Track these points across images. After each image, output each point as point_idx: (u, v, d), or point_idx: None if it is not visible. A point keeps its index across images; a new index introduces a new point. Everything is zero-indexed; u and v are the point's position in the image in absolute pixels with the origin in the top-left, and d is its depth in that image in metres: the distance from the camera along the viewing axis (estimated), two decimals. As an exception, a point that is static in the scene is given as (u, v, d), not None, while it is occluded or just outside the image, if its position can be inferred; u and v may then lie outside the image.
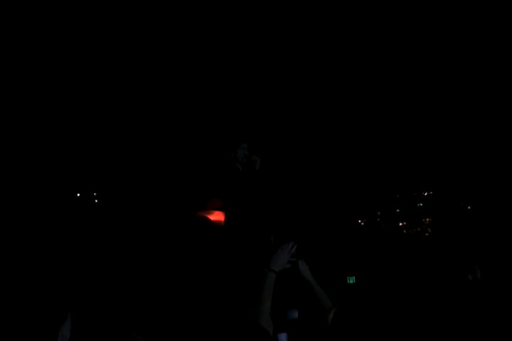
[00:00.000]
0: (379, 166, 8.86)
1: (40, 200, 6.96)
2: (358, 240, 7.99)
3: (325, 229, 7.32)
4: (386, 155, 8.86)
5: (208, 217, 5.32)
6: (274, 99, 7.67)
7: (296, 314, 2.83)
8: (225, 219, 3.76)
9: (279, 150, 7.23)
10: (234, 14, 6.86)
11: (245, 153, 3.84)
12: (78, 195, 8.01)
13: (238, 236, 3.68)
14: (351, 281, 5.75)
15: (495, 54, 7.52)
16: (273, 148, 6.81)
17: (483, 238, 7.23)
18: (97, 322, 2.18)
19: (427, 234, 9.00)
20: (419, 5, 7.13)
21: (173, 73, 7.26)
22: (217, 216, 5.26)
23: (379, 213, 9.22)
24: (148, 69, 7.20)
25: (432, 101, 8.26)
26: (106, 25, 6.58)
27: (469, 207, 8.91)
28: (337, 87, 7.99)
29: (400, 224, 9.25)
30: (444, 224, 8.91)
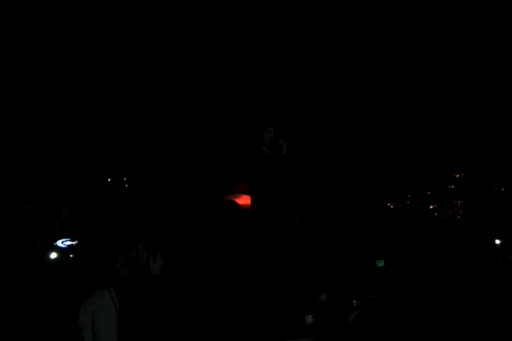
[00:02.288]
0: (409, 148, 8.72)
1: (74, 185, 7.14)
2: (388, 223, 7.92)
3: (354, 212, 7.27)
4: (416, 136, 8.70)
5: (235, 201, 5.35)
6: (302, 83, 7.60)
7: (324, 297, 2.83)
8: (251, 202, 3.76)
9: (306, 132, 7.17)
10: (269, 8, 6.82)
11: (272, 137, 3.82)
12: (109, 179, 8.18)
13: (264, 219, 3.69)
14: (380, 264, 5.72)
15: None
16: (300, 131, 6.76)
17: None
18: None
19: (458, 217, 8.84)
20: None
21: (201, 62, 7.27)
22: (244, 200, 5.29)
23: (409, 196, 9.10)
24: (174, 64, 7.25)
25: (465, 86, 8.04)
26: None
27: (503, 189, 8.70)
28: (367, 71, 7.87)
29: (431, 206, 9.12)
30: (476, 206, 8.73)
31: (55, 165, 7.18)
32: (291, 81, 7.52)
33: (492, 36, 7.25)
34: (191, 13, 6.88)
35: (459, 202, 9.02)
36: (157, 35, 6.97)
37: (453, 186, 9.11)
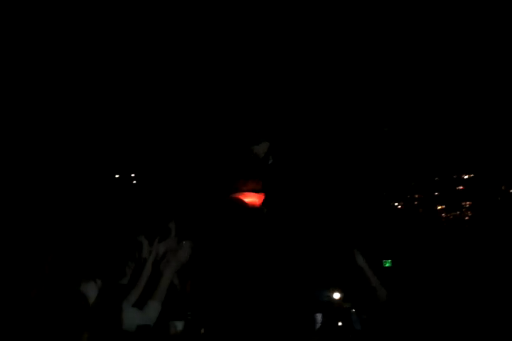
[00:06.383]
0: (417, 147, 8.67)
1: (79, 182, 7.15)
2: (395, 224, 7.88)
3: (360, 213, 7.24)
4: (424, 135, 8.65)
5: (242, 199, 5.32)
6: (306, 80, 7.56)
7: (325, 295, 2.81)
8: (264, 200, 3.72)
9: (312, 131, 7.14)
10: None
11: (265, 151, 3.79)
12: (117, 176, 8.19)
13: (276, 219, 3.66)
14: (387, 265, 5.69)
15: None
16: (305, 130, 6.73)
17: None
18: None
19: (467, 218, 8.78)
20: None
21: (206, 68, 7.27)
22: (251, 198, 5.25)
23: (417, 196, 9.05)
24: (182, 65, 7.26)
25: (476, 87, 7.98)
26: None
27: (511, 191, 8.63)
28: (375, 70, 7.82)
29: (439, 207, 9.06)
30: (485, 208, 8.67)
31: (61, 161, 7.20)
32: (294, 78, 7.48)
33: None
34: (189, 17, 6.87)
35: (468, 203, 8.96)
36: (156, 37, 6.97)
37: (461, 187, 9.05)
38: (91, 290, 2.11)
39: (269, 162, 3.69)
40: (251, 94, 7.13)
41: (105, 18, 6.60)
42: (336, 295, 2.42)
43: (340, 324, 1.91)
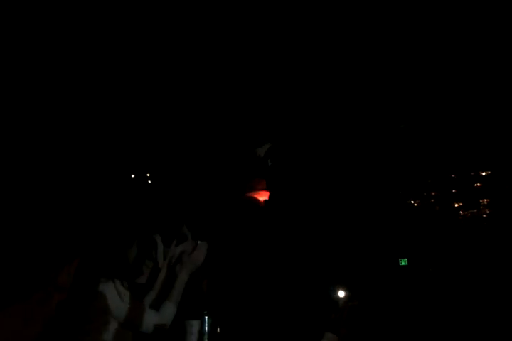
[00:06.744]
0: (434, 145, 8.59)
1: (95, 182, 7.22)
2: (412, 222, 7.83)
3: (377, 210, 7.20)
4: (441, 133, 8.57)
5: (256, 198, 5.35)
6: (321, 79, 7.53)
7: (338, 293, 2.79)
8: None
9: (329, 129, 7.11)
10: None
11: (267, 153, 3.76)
12: (132, 176, 8.27)
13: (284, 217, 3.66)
14: (403, 263, 5.66)
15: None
16: (322, 128, 6.70)
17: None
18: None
19: (484, 216, 8.69)
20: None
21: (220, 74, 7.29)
22: (265, 196, 5.27)
23: (433, 194, 8.98)
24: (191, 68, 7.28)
25: (491, 85, 7.87)
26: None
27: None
28: (391, 69, 7.76)
29: (456, 205, 8.99)
30: (503, 205, 8.57)
31: (76, 161, 7.28)
32: (308, 75, 7.44)
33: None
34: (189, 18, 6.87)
35: (485, 200, 8.86)
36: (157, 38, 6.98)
37: (479, 184, 8.95)
38: (109, 290, 2.12)
39: (269, 164, 3.68)
40: (258, 96, 7.13)
41: (107, 19, 6.64)
42: (341, 294, 2.39)
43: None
